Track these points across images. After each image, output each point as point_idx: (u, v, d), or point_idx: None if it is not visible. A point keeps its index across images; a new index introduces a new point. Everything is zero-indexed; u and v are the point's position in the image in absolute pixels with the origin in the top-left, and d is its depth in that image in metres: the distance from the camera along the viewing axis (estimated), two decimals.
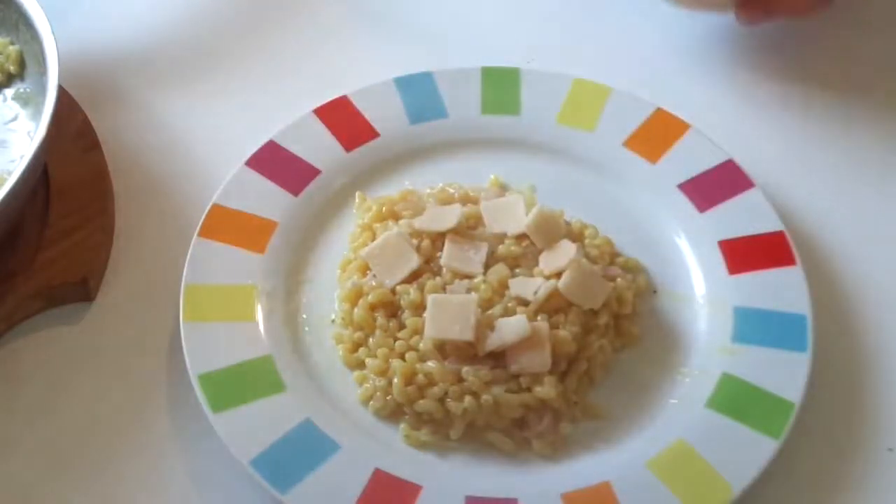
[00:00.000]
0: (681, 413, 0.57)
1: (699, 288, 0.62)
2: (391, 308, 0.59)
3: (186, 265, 0.60)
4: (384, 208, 0.64)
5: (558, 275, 0.59)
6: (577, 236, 0.62)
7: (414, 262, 0.60)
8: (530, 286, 0.58)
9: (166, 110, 0.73)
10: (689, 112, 0.69)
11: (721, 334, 0.60)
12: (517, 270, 0.60)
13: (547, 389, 0.56)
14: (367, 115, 0.69)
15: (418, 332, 0.57)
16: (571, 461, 0.56)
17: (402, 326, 0.58)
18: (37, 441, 0.57)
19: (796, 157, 0.71)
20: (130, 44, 0.77)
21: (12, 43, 0.68)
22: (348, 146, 0.68)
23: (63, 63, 0.62)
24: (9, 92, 0.68)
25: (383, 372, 0.57)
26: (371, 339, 0.59)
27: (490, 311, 0.58)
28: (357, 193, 0.66)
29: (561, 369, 0.57)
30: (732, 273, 0.62)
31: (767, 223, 0.63)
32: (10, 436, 0.57)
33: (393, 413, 0.57)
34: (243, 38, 0.78)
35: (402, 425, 0.57)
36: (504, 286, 0.59)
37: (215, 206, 0.63)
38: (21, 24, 0.66)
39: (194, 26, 0.79)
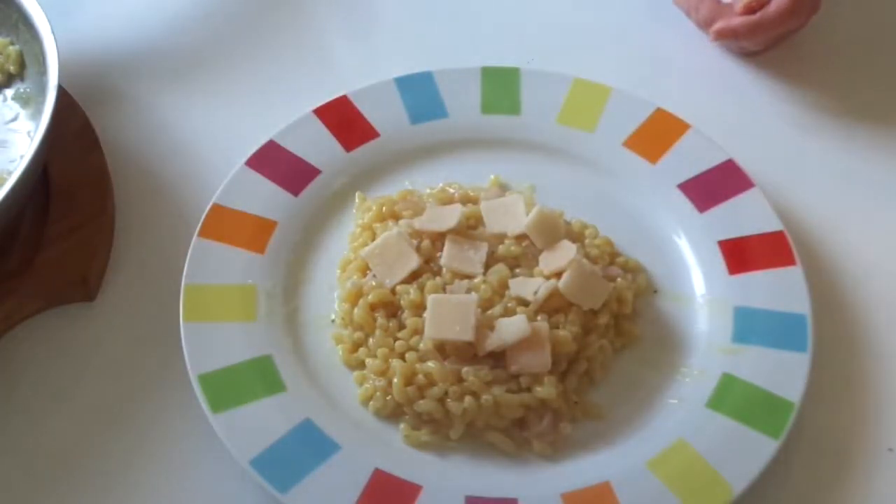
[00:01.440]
0: (681, 413, 0.57)
1: (699, 288, 0.62)
2: (391, 308, 0.59)
3: (186, 265, 0.60)
4: (384, 208, 0.64)
5: (558, 275, 0.59)
6: (577, 236, 0.62)
7: (414, 262, 0.60)
8: (530, 286, 0.58)
9: (166, 110, 0.73)
10: (688, 112, 0.69)
11: (721, 334, 0.60)
12: (517, 270, 0.60)
13: (547, 389, 0.56)
14: (368, 115, 0.69)
15: (418, 332, 0.57)
16: (571, 461, 0.56)
17: (401, 326, 0.58)
18: (36, 441, 0.57)
19: (796, 157, 0.71)
20: (131, 44, 0.77)
21: (12, 43, 0.68)
22: (348, 146, 0.68)
23: (63, 63, 0.62)
24: (9, 92, 0.68)
25: (383, 372, 0.57)
26: (371, 340, 0.59)
27: (490, 312, 0.58)
28: (357, 193, 0.66)
29: (561, 369, 0.57)
30: (732, 273, 0.62)
31: (767, 223, 0.63)
32: (10, 436, 0.57)
33: (393, 413, 0.57)
34: (243, 39, 0.78)
35: (402, 425, 0.57)
36: (504, 286, 0.59)
37: (215, 206, 0.63)
38: (21, 24, 0.66)
39: (194, 26, 0.79)
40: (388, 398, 0.57)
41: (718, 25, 0.73)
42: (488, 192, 0.65)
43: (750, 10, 0.72)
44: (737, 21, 0.72)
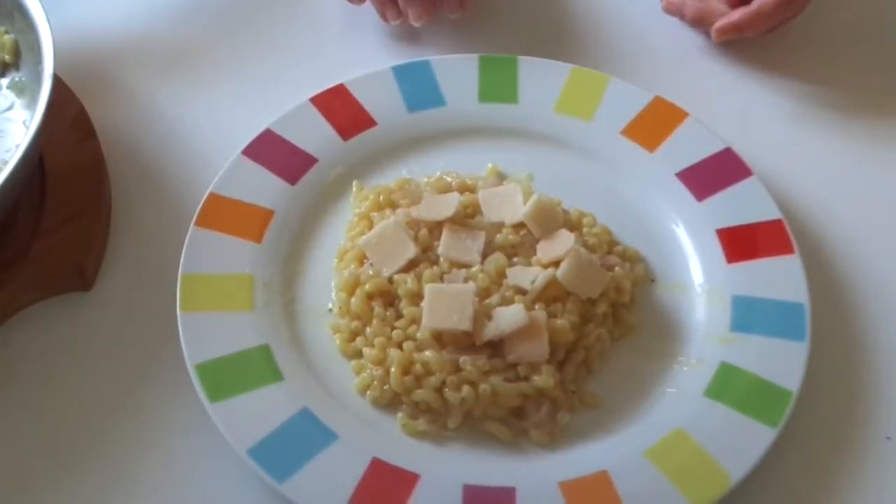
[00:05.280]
0: (679, 402, 0.57)
1: (697, 277, 0.62)
2: (388, 297, 0.59)
3: (183, 254, 0.60)
4: (381, 197, 0.64)
5: (556, 264, 0.58)
6: (575, 225, 0.62)
7: (411, 251, 0.59)
8: (528, 275, 0.58)
9: (163, 99, 0.72)
10: (687, 100, 0.68)
11: (719, 323, 0.60)
12: (515, 260, 0.60)
13: (545, 379, 0.56)
14: (365, 104, 0.68)
15: (416, 321, 0.57)
16: (569, 450, 0.56)
17: (399, 316, 0.58)
18: (33, 433, 0.57)
19: (795, 146, 0.71)
20: (126, 33, 0.77)
21: (7, 32, 0.68)
22: (345, 135, 0.67)
23: (58, 52, 0.61)
24: (4, 81, 0.68)
25: (380, 361, 0.57)
26: (368, 329, 0.59)
27: (488, 301, 0.58)
28: (354, 182, 0.66)
29: (559, 358, 0.57)
30: (731, 262, 0.62)
31: (766, 211, 0.63)
32: (6, 428, 0.57)
33: (390, 402, 0.57)
34: (240, 27, 0.78)
35: (400, 414, 0.57)
36: (502, 275, 0.59)
37: (212, 195, 0.63)
38: (16, 12, 0.66)
39: (191, 14, 0.78)
40: (385, 387, 0.57)
41: (720, 23, 0.72)
42: (486, 180, 0.65)
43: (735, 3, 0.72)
44: (737, 15, 0.72)
